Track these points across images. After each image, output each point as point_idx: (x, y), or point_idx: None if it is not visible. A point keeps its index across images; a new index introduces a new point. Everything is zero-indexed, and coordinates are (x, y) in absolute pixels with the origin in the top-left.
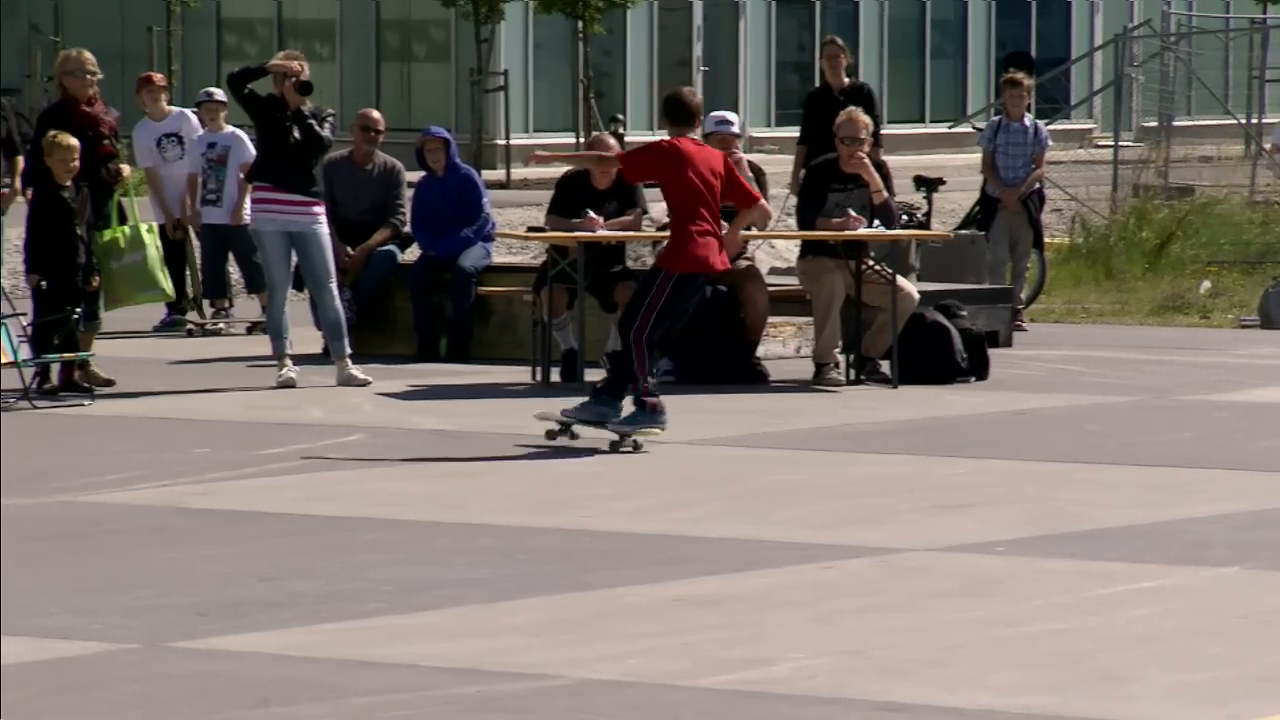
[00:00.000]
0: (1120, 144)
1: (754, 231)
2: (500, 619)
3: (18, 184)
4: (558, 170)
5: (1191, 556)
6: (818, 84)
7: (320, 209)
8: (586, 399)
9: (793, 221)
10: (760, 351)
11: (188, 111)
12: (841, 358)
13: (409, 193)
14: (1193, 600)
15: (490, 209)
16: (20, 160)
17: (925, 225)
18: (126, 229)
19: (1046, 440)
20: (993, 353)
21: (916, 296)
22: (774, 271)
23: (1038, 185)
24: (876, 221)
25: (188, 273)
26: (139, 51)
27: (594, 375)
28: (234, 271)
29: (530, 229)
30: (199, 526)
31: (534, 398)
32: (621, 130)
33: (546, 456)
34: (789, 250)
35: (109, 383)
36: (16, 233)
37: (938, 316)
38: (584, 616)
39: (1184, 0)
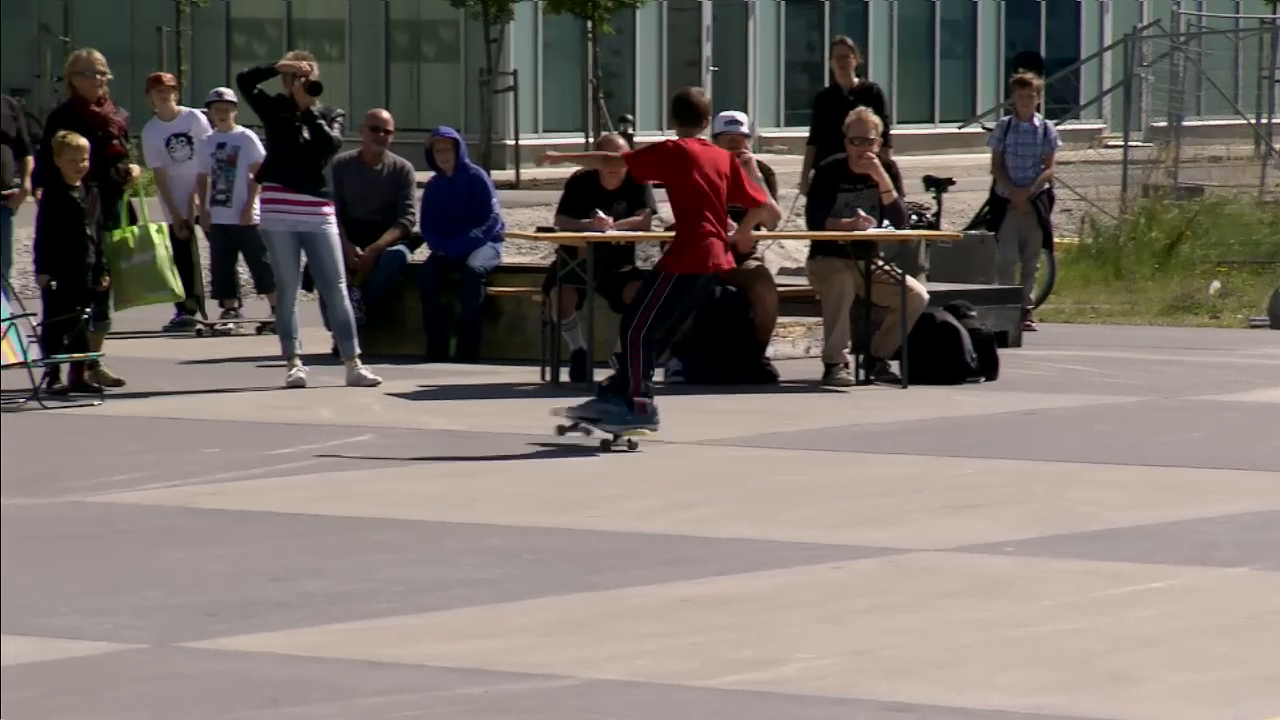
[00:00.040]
0: (1130, 144)
1: (763, 232)
2: (508, 619)
3: (28, 184)
4: (567, 170)
5: (1200, 557)
6: (827, 84)
7: (329, 209)
8: (593, 398)
9: (802, 222)
10: (770, 352)
11: (197, 112)
12: (851, 358)
13: (418, 193)
14: (1201, 601)
15: (500, 209)
16: (30, 160)
17: (935, 225)
18: (136, 229)
19: (1056, 440)
20: (1002, 353)
21: (926, 297)
22: (783, 272)
23: (1047, 185)
24: (886, 222)
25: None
26: (148, 52)
27: (603, 375)
28: (243, 272)
29: (540, 229)
30: (208, 527)
31: (543, 398)
32: (631, 130)
33: (555, 457)
34: (798, 250)
35: (118, 383)
36: (26, 233)
37: (947, 317)
38: (592, 617)
39: (1194, 0)
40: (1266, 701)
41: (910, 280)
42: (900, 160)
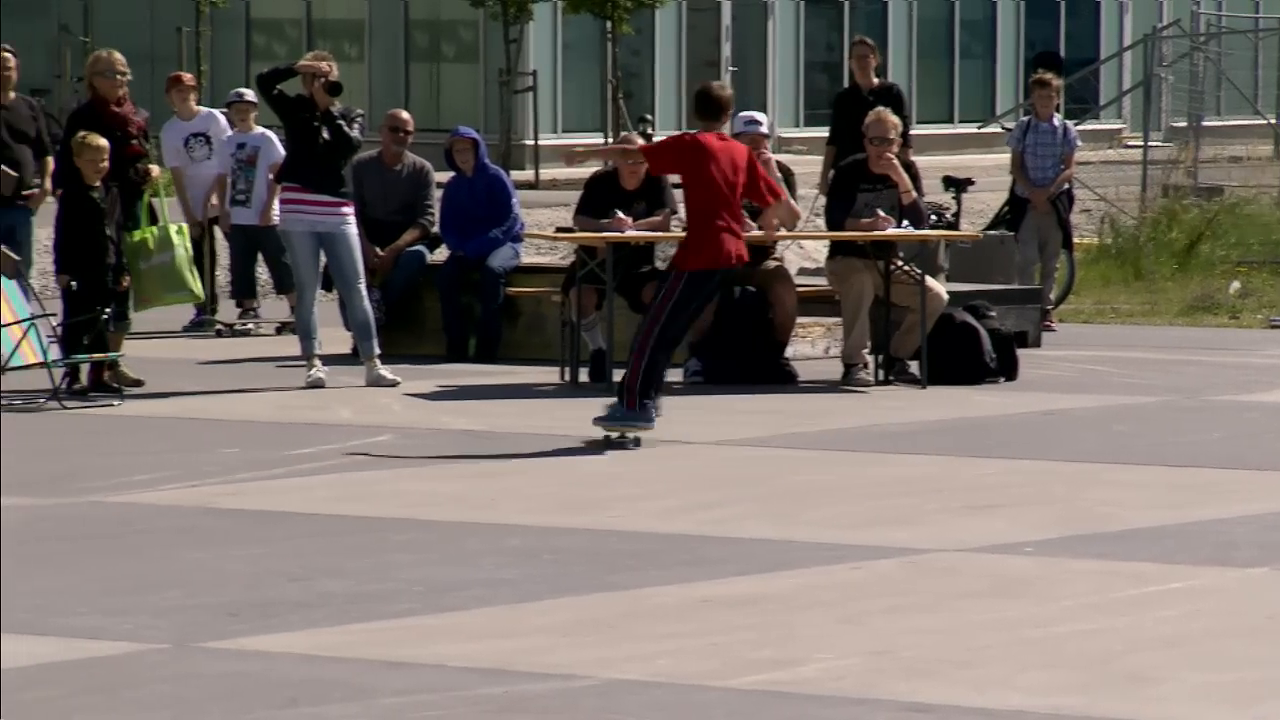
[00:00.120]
0: (1149, 144)
1: (783, 232)
2: (528, 619)
3: (48, 184)
4: (586, 171)
5: (1220, 557)
6: (846, 84)
7: (349, 209)
8: (614, 400)
9: (821, 222)
10: (789, 352)
11: (216, 112)
12: (870, 358)
13: (438, 193)
14: (1221, 601)
15: (519, 209)
16: (50, 161)
17: (954, 225)
18: (156, 230)
19: (1075, 441)
20: (1022, 353)
21: (945, 297)
22: (803, 272)
23: (1067, 185)
24: (905, 222)
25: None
26: (168, 52)
27: (622, 376)
28: (262, 273)
29: (559, 229)
30: (229, 527)
31: (562, 398)
32: (650, 130)
33: (574, 457)
34: (818, 251)
35: (138, 383)
36: (46, 233)
37: (967, 317)
38: (612, 617)
39: (1213, 0)
40: None
41: (930, 280)
42: (920, 160)
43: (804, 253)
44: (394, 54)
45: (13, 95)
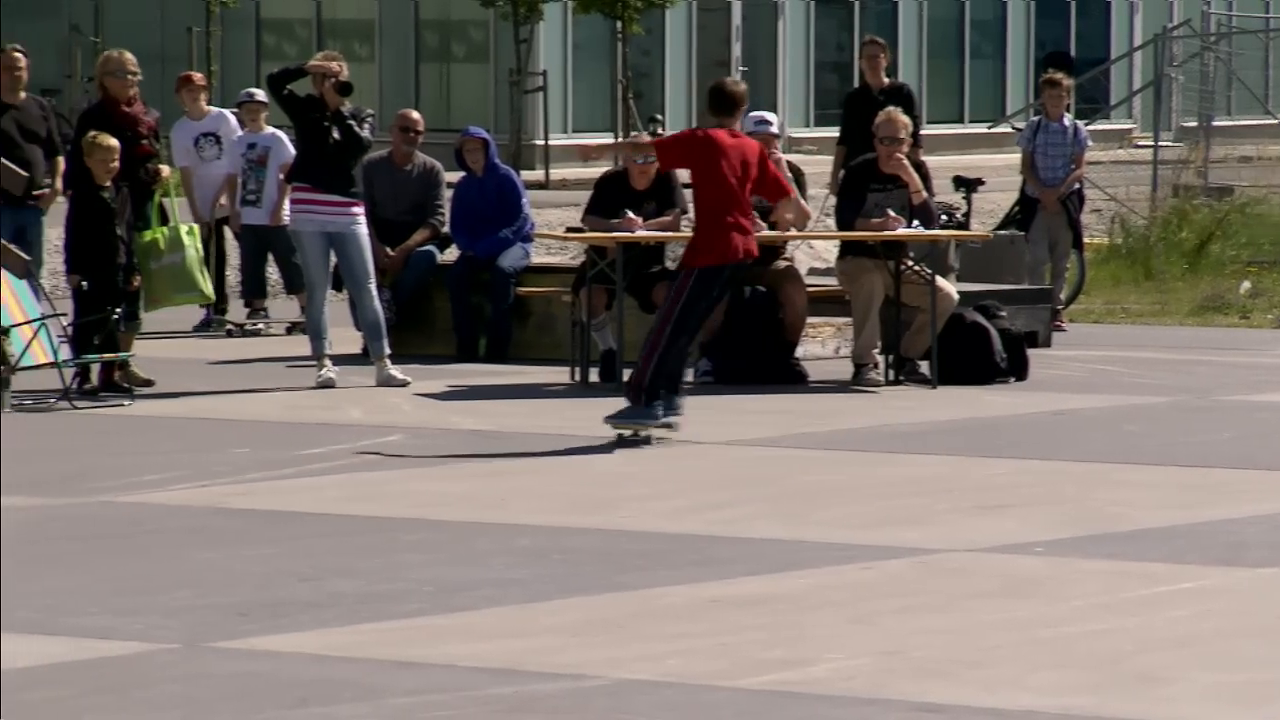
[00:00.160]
0: (1160, 144)
1: (793, 232)
2: (538, 619)
3: (59, 184)
4: (596, 170)
5: (1231, 557)
6: (857, 84)
7: (359, 209)
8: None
9: (832, 222)
10: (799, 352)
11: (226, 112)
12: (880, 358)
13: (448, 193)
14: (1232, 601)
15: (529, 209)
16: (61, 161)
17: (964, 225)
18: (167, 230)
19: (1086, 441)
20: (1032, 353)
21: (956, 297)
22: (813, 272)
23: (1077, 185)
24: (916, 222)
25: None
26: (178, 52)
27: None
28: (272, 272)
29: (569, 229)
30: (239, 526)
31: (573, 398)
32: (660, 130)
33: (585, 457)
34: (828, 251)
35: (149, 383)
36: (56, 233)
37: (977, 317)
38: (622, 617)
39: (1224, 0)
40: None
41: (940, 280)
42: (930, 160)
43: (814, 253)
44: (404, 54)
45: (23, 95)
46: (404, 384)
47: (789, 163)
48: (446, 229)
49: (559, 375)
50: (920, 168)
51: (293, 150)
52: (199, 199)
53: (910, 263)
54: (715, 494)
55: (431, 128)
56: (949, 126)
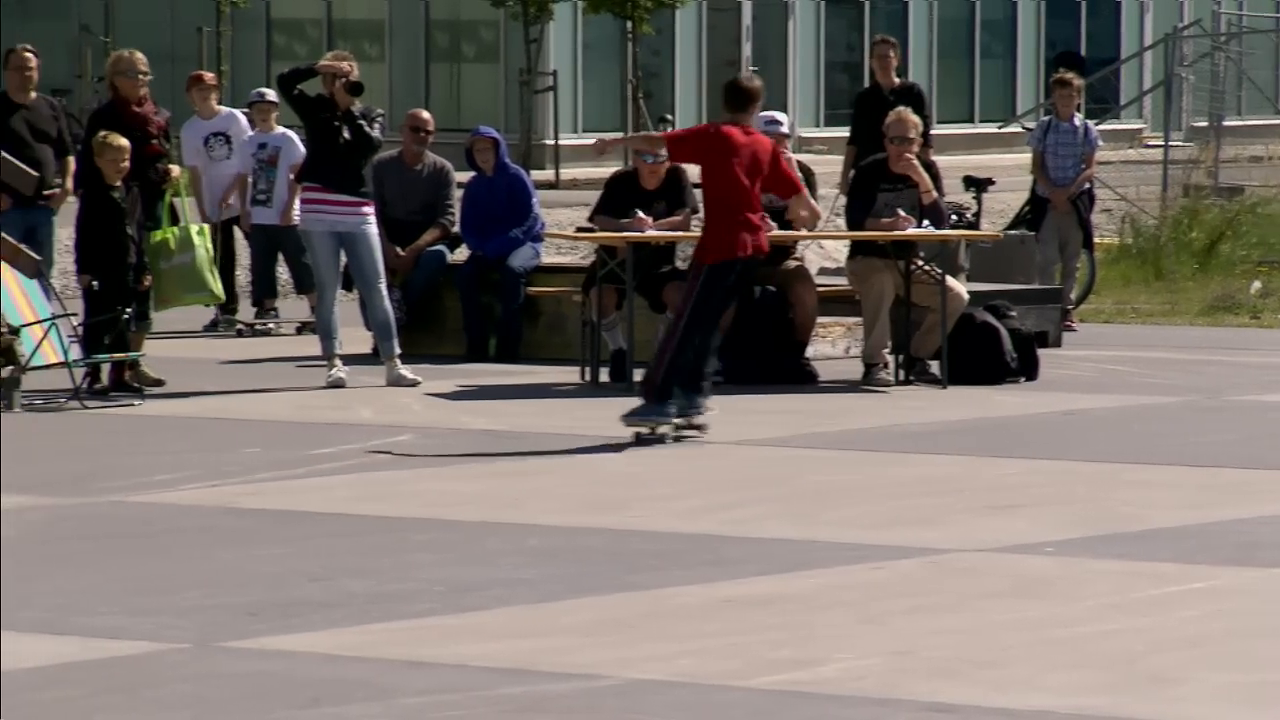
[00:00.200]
0: (1170, 144)
1: (803, 232)
2: (550, 619)
3: (69, 184)
4: (606, 170)
5: (1242, 557)
6: (867, 84)
7: (369, 209)
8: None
9: (842, 222)
10: (809, 352)
11: (237, 112)
12: (891, 358)
13: (458, 193)
14: (1244, 601)
15: (539, 209)
16: (71, 161)
17: (975, 225)
18: (177, 230)
19: (1096, 441)
20: (1042, 353)
21: (966, 297)
22: (823, 272)
23: (1087, 185)
24: (926, 221)
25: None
26: (189, 52)
27: (642, 375)
28: (282, 272)
29: (579, 229)
30: (250, 526)
31: (583, 398)
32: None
33: (595, 456)
34: (838, 250)
35: (159, 383)
36: (67, 233)
37: (987, 317)
38: (633, 617)
39: (1235, 0)
40: None
41: (950, 280)
42: (940, 160)
43: (824, 252)
44: (414, 54)
45: (34, 95)
46: (414, 384)
47: (799, 162)
48: (457, 229)
49: (569, 375)
50: (930, 167)
51: (303, 150)
52: (208, 199)
53: (920, 262)
54: (726, 494)
55: (442, 127)
56: (959, 126)
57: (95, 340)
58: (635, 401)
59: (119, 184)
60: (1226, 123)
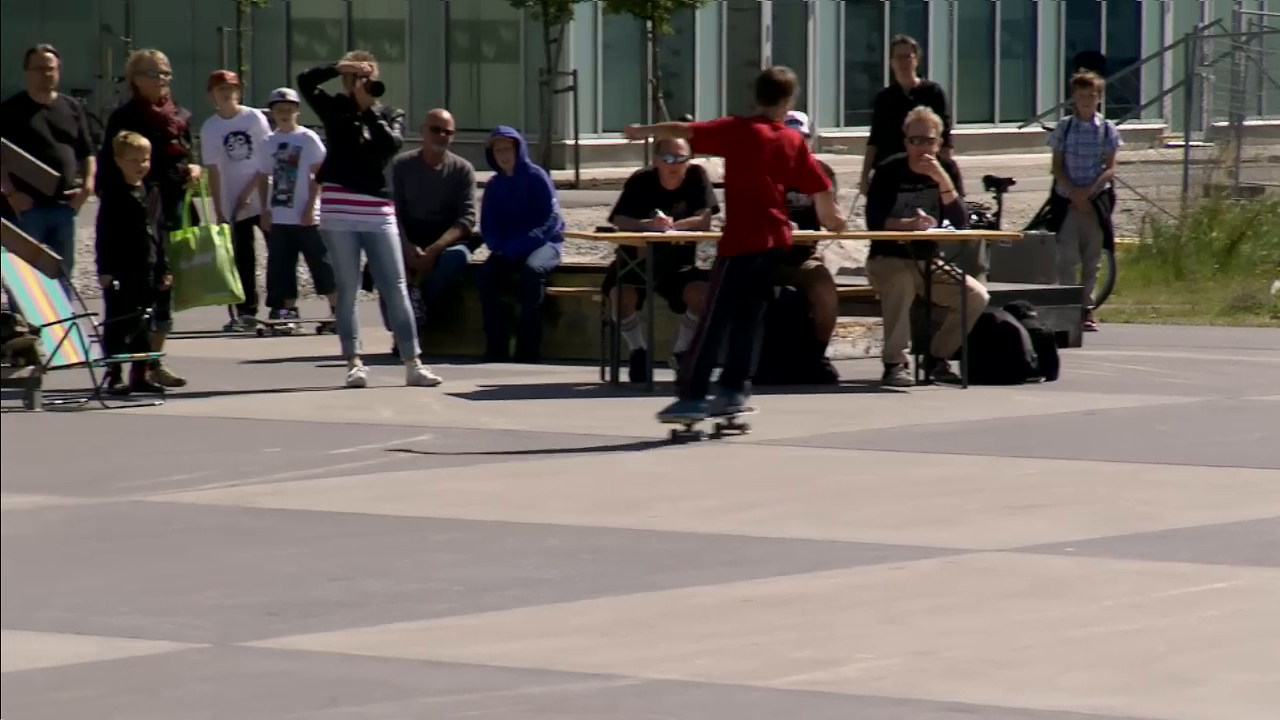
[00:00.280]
0: (1190, 144)
1: (823, 231)
2: (569, 619)
3: (90, 184)
4: (626, 170)
5: (1262, 557)
6: (887, 84)
7: (389, 209)
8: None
9: (862, 221)
10: (829, 352)
11: (257, 112)
12: (911, 358)
13: (478, 193)
14: (1264, 601)
15: (559, 209)
16: (92, 161)
17: (995, 225)
18: (197, 230)
19: (1116, 441)
20: (1062, 353)
21: (986, 297)
22: (843, 272)
23: (1108, 185)
24: (946, 221)
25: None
26: (209, 52)
27: (663, 375)
28: (303, 272)
29: (599, 229)
30: (269, 526)
31: (603, 398)
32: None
33: (615, 456)
34: (858, 250)
35: (179, 382)
36: (87, 233)
37: (1007, 317)
38: (652, 617)
39: (1255, 0)
40: None
41: (970, 280)
42: (960, 160)
43: (844, 252)
44: (435, 54)
45: (55, 95)
46: (434, 384)
47: (820, 162)
48: (477, 229)
49: (589, 375)
50: (951, 167)
51: (324, 150)
52: (226, 198)
53: (941, 262)
54: (746, 494)
55: (462, 127)
56: (980, 126)
57: (116, 340)
58: (657, 401)
59: (139, 184)
60: (1247, 122)
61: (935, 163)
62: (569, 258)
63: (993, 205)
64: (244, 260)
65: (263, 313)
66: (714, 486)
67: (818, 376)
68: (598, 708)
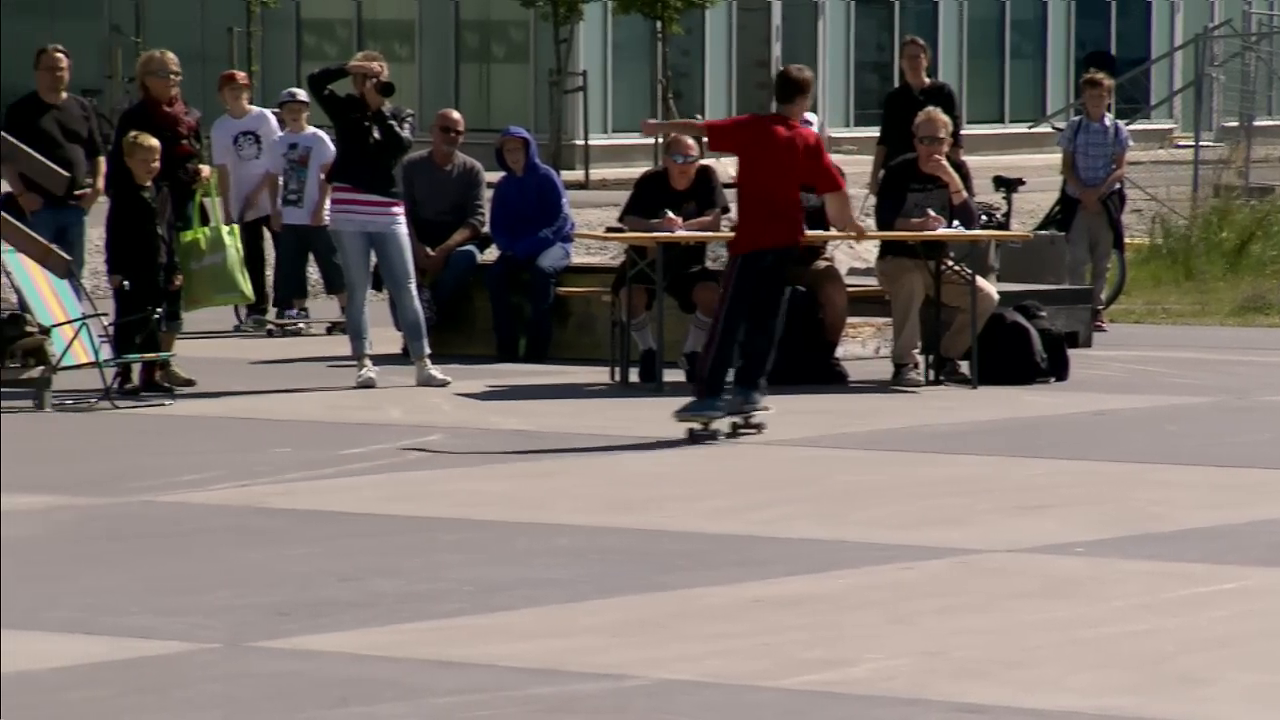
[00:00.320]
0: (1200, 144)
1: (832, 232)
2: (579, 619)
3: (100, 184)
4: (636, 170)
5: (1272, 558)
6: (897, 84)
7: (399, 209)
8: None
9: (872, 222)
10: (839, 352)
11: (267, 112)
12: (920, 358)
13: (488, 193)
14: (1274, 601)
15: (569, 209)
16: (102, 161)
17: (1005, 226)
18: (208, 230)
19: (1126, 441)
20: (1072, 353)
21: (996, 297)
22: (853, 272)
23: (1118, 185)
24: (956, 222)
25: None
26: (219, 52)
27: (672, 376)
28: (313, 272)
29: (609, 229)
30: (280, 526)
31: (612, 398)
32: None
33: (624, 456)
34: (868, 251)
35: (189, 383)
36: (98, 233)
37: (1017, 317)
38: (662, 617)
39: (1265, 0)
40: None
41: (980, 280)
42: (970, 160)
43: (854, 253)
44: (444, 54)
45: (65, 95)
46: (444, 384)
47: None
48: (486, 229)
49: (599, 375)
50: (960, 168)
51: (334, 150)
52: (234, 198)
53: (950, 263)
54: (755, 494)
55: (472, 128)
56: (989, 126)
57: (126, 340)
58: (667, 401)
59: (149, 184)
60: (1257, 123)
61: (945, 163)
62: (579, 258)
63: (1002, 205)
64: (252, 261)
65: (270, 313)
66: (724, 487)
67: (827, 377)
68: (608, 708)
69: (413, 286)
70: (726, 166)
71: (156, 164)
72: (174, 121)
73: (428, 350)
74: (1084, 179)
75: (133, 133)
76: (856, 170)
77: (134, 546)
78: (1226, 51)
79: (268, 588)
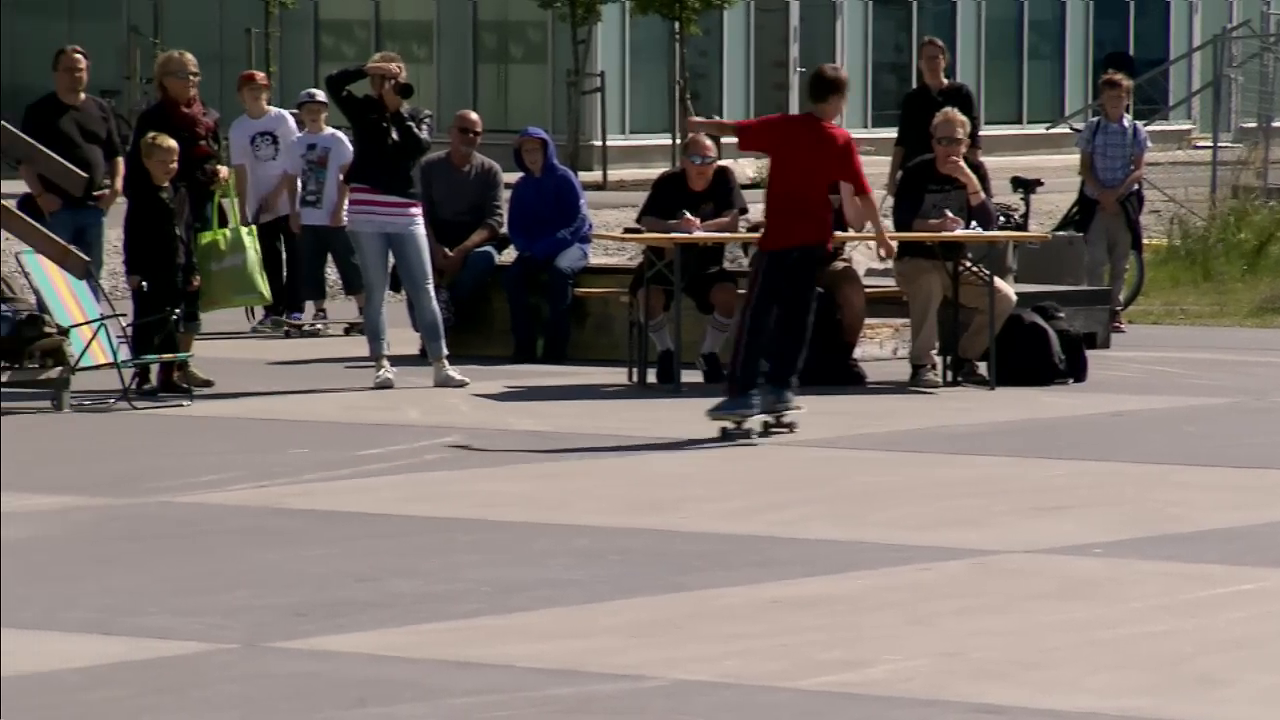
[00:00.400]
0: (1219, 145)
1: (850, 233)
2: (597, 620)
3: (118, 185)
4: (654, 171)
5: None
6: (915, 85)
7: (418, 210)
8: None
9: (889, 222)
10: (857, 353)
11: (286, 113)
12: (938, 359)
13: (506, 194)
14: None
15: (587, 210)
16: (120, 162)
17: (1023, 226)
18: (227, 232)
19: (1144, 442)
20: (1090, 354)
21: (1014, 298)
22: (871, 273)
23: (1136, 186)
24: (974, 223)
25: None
26: (237, 53)
27: (690, 377)
28: (331, 272)
29: (627, 230)
30: (297, 527)
31: (630, 399)
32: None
33: (642, 457)
34: None
35: (208, 383)
36: (116, 234)
37: (1035, 318)
38: (680, 617)
39: None
40: None
41: (998, 281)
42: (988, 161)
43: (872, 253)
44: (462, 55)
45: (83, 96)
46: (462, 384)
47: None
48: (504, 230)
49: (616, 376)
50: (978, 169)
51: (352, 151)
52: (252, 199)
53: (968, 264)
54: (773, 495)
55: (490, 128)
56: (1007, 127)
57: (144, 341)
58: (685, 402)
59: (167, 185)
60: (1275, 123)
61: (963, 164)
62: (596, 259)
63: (1020, 206)
64: (269, 262)
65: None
66: (742, 487)
67: (845, 377)
68: (626, 709)
69: (431, 287)
70: (744, 168)
71: (175, 165)
72: (192, 122)
73: (445, 351)
74: (1102, 180)
75: (151, 133)
76: (874, 171)
77: (152, 547)
78: (1245, 52)
79: (285, 588)
